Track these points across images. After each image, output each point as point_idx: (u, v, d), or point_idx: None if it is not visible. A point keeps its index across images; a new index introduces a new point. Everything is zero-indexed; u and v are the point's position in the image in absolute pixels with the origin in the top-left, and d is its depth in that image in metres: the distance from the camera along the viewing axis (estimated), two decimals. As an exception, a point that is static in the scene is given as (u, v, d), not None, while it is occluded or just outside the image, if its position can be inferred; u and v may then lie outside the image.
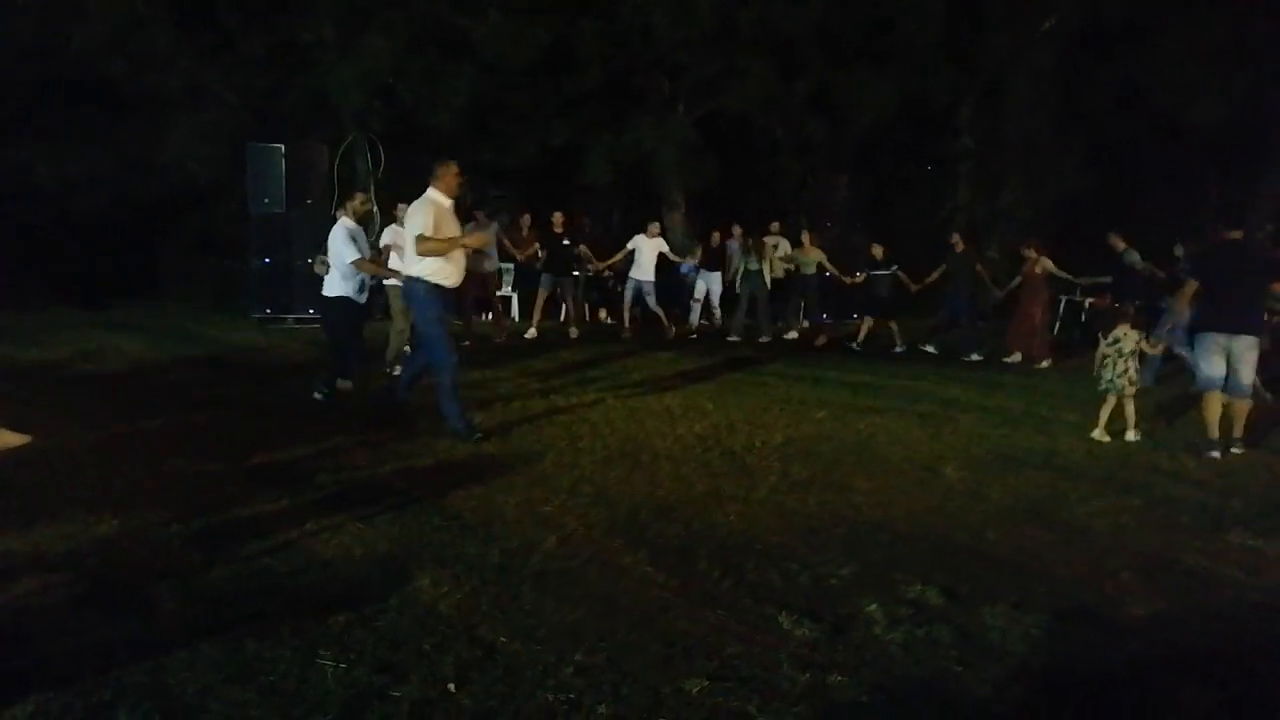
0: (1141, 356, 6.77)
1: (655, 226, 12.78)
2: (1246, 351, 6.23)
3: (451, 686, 2.78)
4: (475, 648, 3.03)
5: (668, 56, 15.59)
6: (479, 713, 2.65)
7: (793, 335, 12.87)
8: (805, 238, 13.08)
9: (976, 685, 2.93)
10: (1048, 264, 10.63)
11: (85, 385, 7.81)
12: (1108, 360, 6.65)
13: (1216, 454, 6.14)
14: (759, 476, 5.28)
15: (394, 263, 7.49)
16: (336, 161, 13.68)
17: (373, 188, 13.81)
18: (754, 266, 12.68)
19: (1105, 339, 6.71)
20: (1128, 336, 6.58)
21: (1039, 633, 3.30)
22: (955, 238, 11.68)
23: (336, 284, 7.05)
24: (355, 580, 3.58)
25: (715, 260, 13.44)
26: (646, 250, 12.21)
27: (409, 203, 6.58)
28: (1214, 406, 6.26)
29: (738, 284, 12.89)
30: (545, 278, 11.91)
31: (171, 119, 15.05)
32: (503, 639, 3.10)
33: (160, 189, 15.44)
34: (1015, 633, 3.29)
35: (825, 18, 15.13)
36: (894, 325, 11.58)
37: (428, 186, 6.04)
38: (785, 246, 13.70)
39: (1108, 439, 6.55)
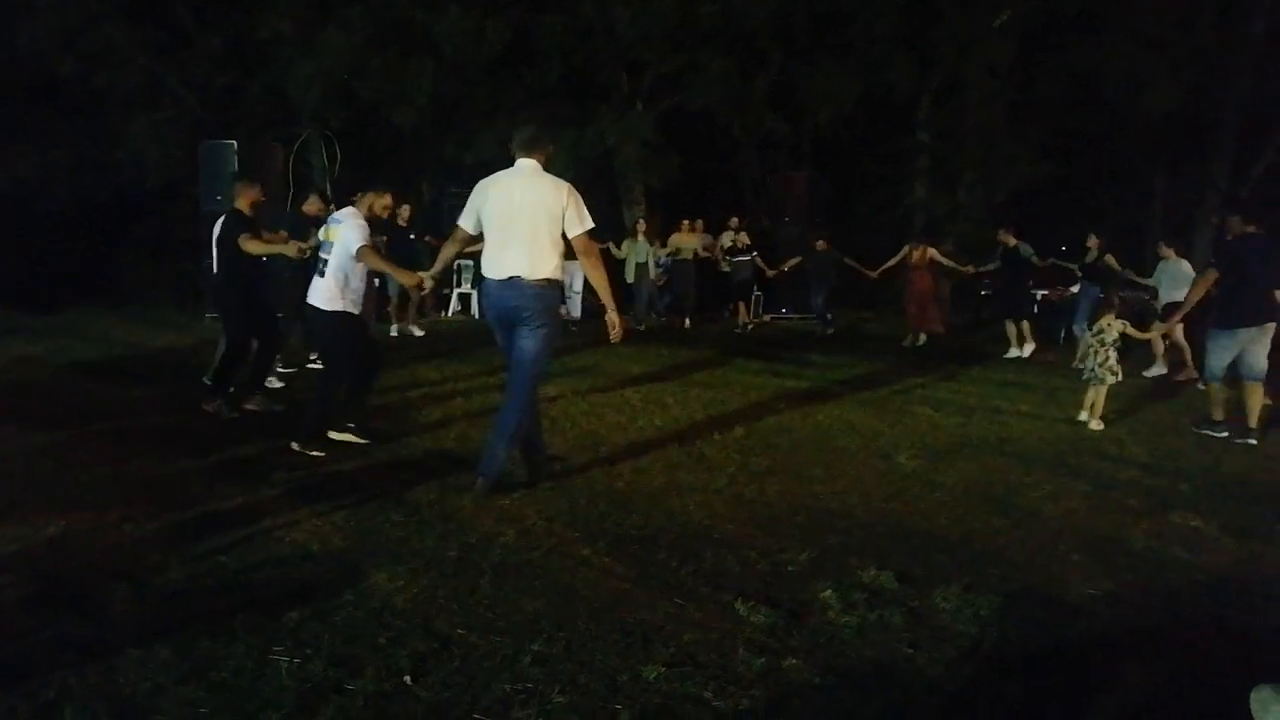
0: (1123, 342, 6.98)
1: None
2: (1265, 337, 6.55)
3: (408, 679, 2.77)
4: (432, 640, 3.03)
5: (629, 52, 15.60)
6: (435, 704, 2.65)
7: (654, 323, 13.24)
8: (684, 224, 13.82)
9: (928, 666, 2.99)
10: (933, 252, 11.92)
11: (35, 388, 7.67)
12: (1091, 350, 6.81)
13: (1225, 434, 6.50)
14: (718, 467, 5.33)
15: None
16: (291, 158, 13.51)
17: (329, 185, 13.68)
18: (640, 259, 13.12)
19: (1090, 330, 6.85)
20: (1111, 327, 6.73)
21: (989, 613, 3.37)
22: (820, 242, 12.86)
23: (333, 294, 5.54)
24: (311, 576, 3.56)
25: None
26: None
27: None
28: (1220, 394, 6.62)
29: (630, 273, 13.26)
30: None
31: (126, 117, 14.78)
32: (460, 631, 3.10)
33: (116, 189, 15.17)
34: (966, 614, 3.36)
35: (783, 11, 15.23)
36: (743, 305, 13.30)
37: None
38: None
39: (1100, 426, 6.67)
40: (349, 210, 5.68)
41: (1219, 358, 6.59)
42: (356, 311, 5.65)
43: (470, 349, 9.99)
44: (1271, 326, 6.55)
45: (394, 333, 11.20)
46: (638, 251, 13.17)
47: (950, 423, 6.76)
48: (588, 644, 3.04)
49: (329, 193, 10.01)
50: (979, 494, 4.94)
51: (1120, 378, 6.85)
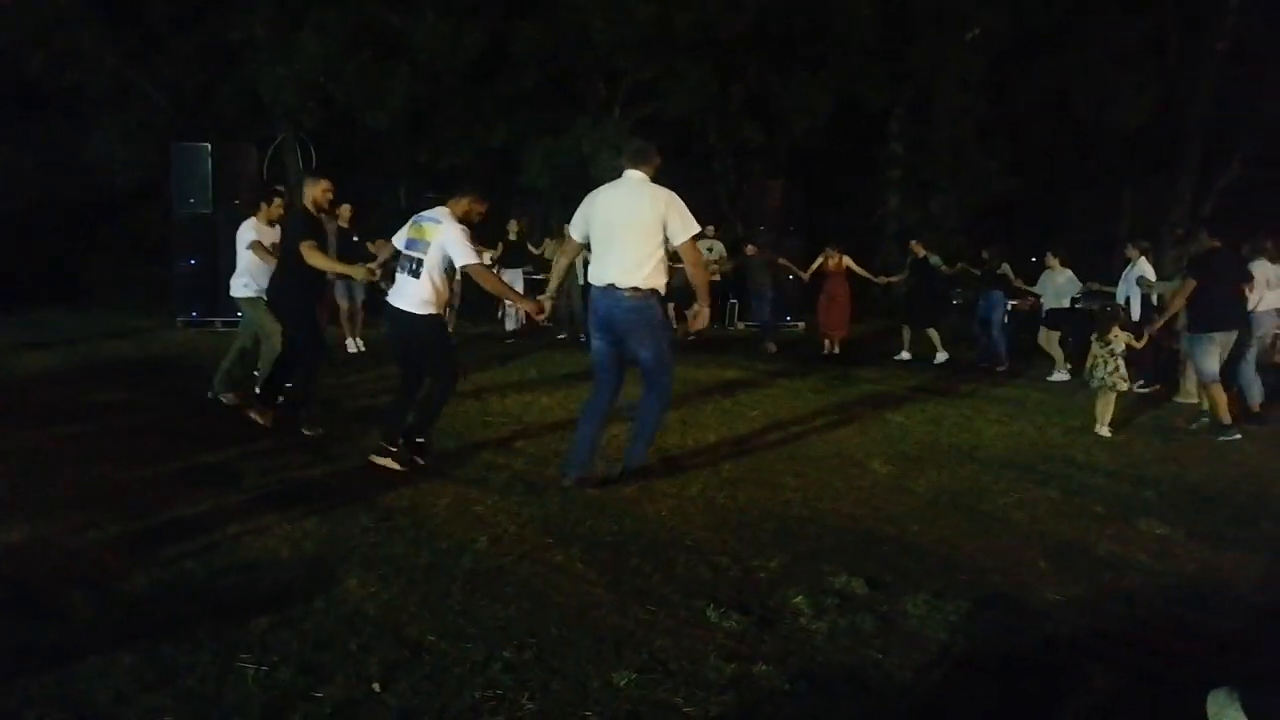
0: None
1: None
2: (1229, 343, 7.16)
3: (376, 686, 2.75)
4: (402, 647, 3.01)
5: (605, 59, 15.64)
6: (404, 711, 2.63)
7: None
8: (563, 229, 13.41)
9: (897, 671, 3.01)
10: (848, 260, 12.00)
11: (-1, 391, 7.53)
12: (1099, 360, 7.02)
13: (1238, 436, 6.82)
14: (691, 474, 5.33)
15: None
16: (266, 162, 13.41)
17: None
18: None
19: (1099, 341, 7.09)
20: (1119, 338, 6.98)
21: (958, 619, 3.40)
22: (750, 247, 13.05)
23: (427, 297, 5.14)
24: (280, 582, 3.52)
25: None
26: None
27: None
28: (1223, 395, 6.97)
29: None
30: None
31: (96, 118, 14.60)
32: (430, 638, 3.08)
33: (85, 190, 14.97)
34: (935, 620, 3.39)
35: (760, 21, 15.35)
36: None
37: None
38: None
39: (1109, 433, 6.89)
40: (443, 210, 5.16)
41: (1207, 361, 7.01)
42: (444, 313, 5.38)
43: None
44: (1235, 334, 7.12)
45: (352, 347, 10.35)
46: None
47: (921, 430, 6.82)
48: (559, 650, 3.03)
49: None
50: (949, 500, 4.98)
51: (1129, 386, 7.16)
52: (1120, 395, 7.09)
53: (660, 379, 4.90)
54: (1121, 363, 7.00)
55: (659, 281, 4.76)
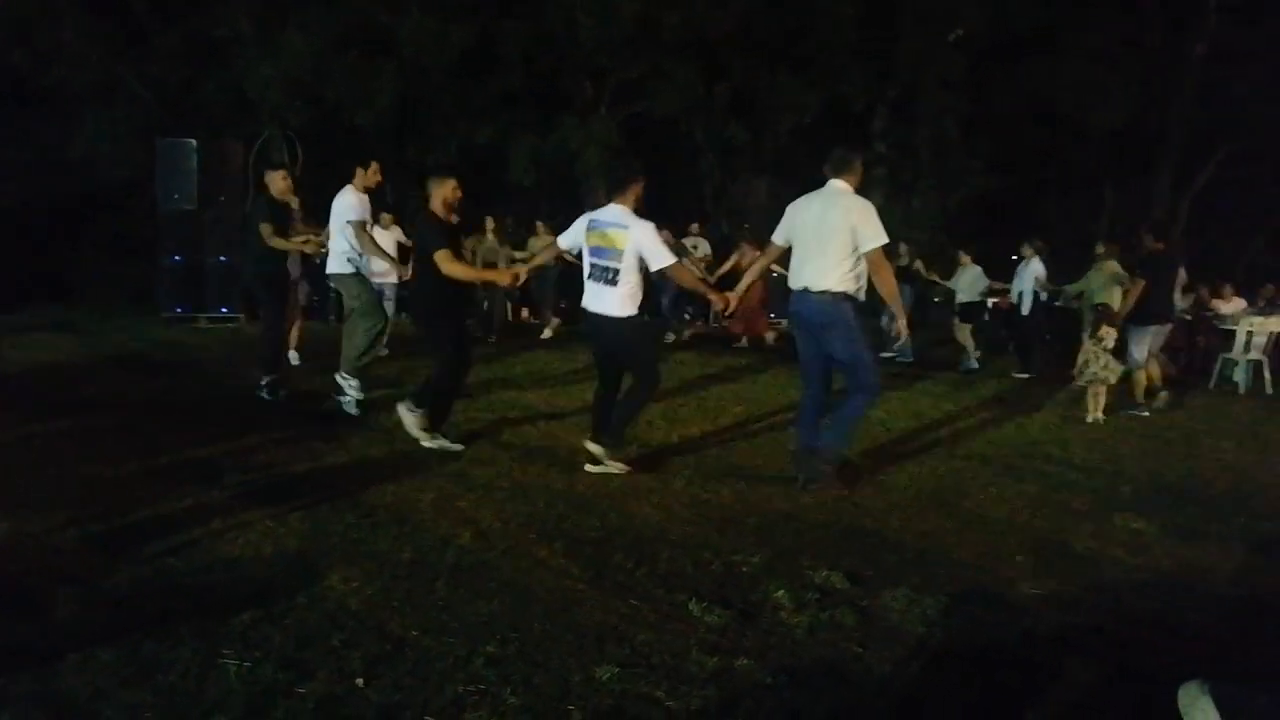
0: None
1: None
2: (1162, 335, 8.16)
3: (359, 681, 2.76)
4: (385, 642, 3.01)
5: (592, 58, 15.64)
6: (387, 706, 2.64)
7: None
8: (539, 227, 13.08)
9: (876, 664, 3.04)
10: (757, 254, 12.21)
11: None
12: (1092, 355, 7.50)
13: (1148, 414, 7.78)
14: (675, 470, 5.36)
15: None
16: (252, 158, 13.34)
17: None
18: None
19: (1092, 339, 7.59)
20: (1109, 335, 7.50)
21: (936, 613, 3.44)
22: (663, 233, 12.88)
23: (626, 300, 5.07)
24: (263, 578, 3.52)
25: None
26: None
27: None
28: (1144, 380, 7.94)
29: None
30: None
31: (81, 114, 14.49)
32: (414, 633, 3.09)
33: (71, 187, 14.86)
34: (914, 614, 3.43)
35: (745, 21, 15.39)
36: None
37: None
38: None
39: (1104, 417, 7.50)
40: (620, 210, 5.05)
41: (1141, 350, 7.88)
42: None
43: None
44: (1169, 326, 8.21)
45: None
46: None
47: (901, 426, 6.88)
48: (542, 645, 3.05)
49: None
50: (928, 496, 5.03)
51: (1117, 375, 7.61)
52: (1111, 387, 7.58)
53: (863, 376, 5.03)
54: (1111, 357, 7.45)
55: (851, 286, 4.94)
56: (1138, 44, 17.39)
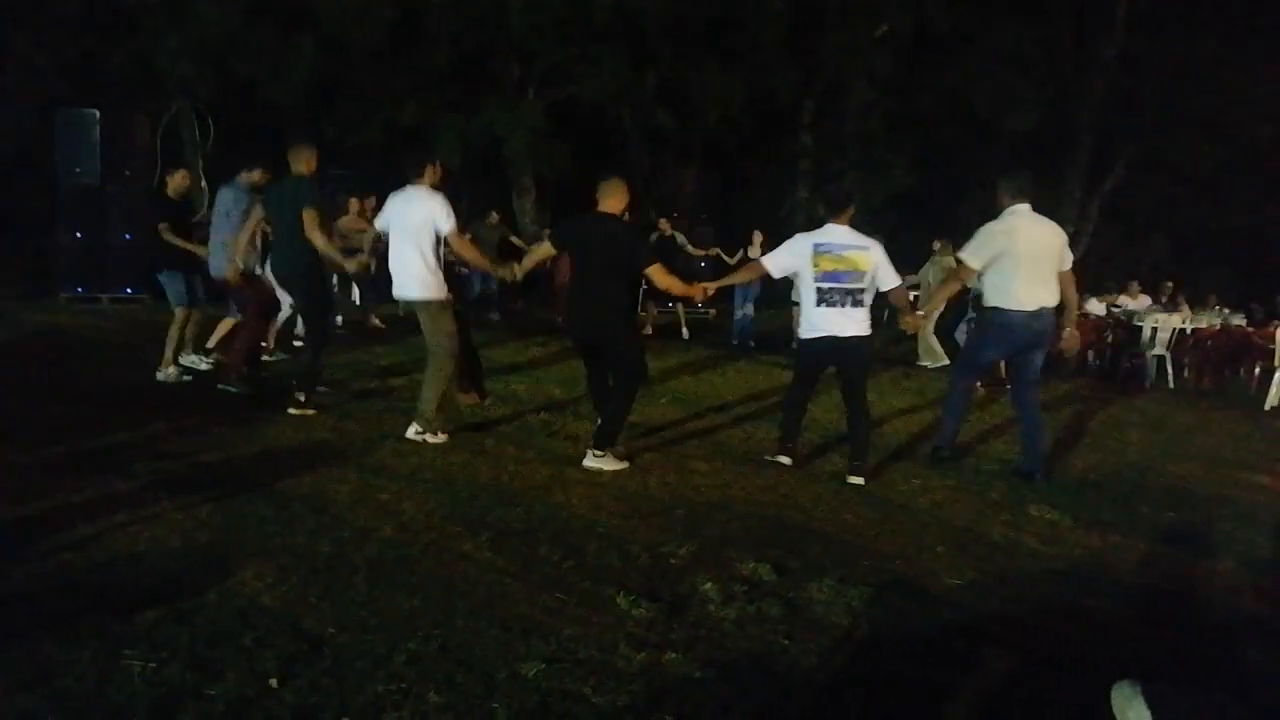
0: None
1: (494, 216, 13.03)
2: None
3: (273, 682, 2.64)
4: (301, 641, 2.90)
5: (520, 41, 15.42)
6: (302, 708, 2.54)
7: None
8: (354, 206, 11.87)
9: (803, 656, 3.06)
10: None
11: None
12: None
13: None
14: (603, 461, 5.31)
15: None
16: (160, 133, 12.74)
17: (201, 162, 12.98)
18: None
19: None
20: None
21: (860, 604, 3.48)
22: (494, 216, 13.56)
23: (868, 320, 5.26)
24: (170, 574, 3.35)
25: None
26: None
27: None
28: None
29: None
30: None
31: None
32: (331, 630, 2.98)
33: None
34: (839, 605, 3.46)
35: (675, 9, 15.38)
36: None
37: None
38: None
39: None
40: (850, 230, 5.12)
41: None
42: None
43: (356, 340, 9.66)
44: None
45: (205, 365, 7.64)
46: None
47: (827, 417, 6.95)
48: (466, 641, 2.97)
49: (202, 170, 9.39)
50: (853, 487, 5.10)
51: None
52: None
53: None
54: None
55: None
56: (1050, 48, 18.01)
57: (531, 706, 2.62)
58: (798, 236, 5.30)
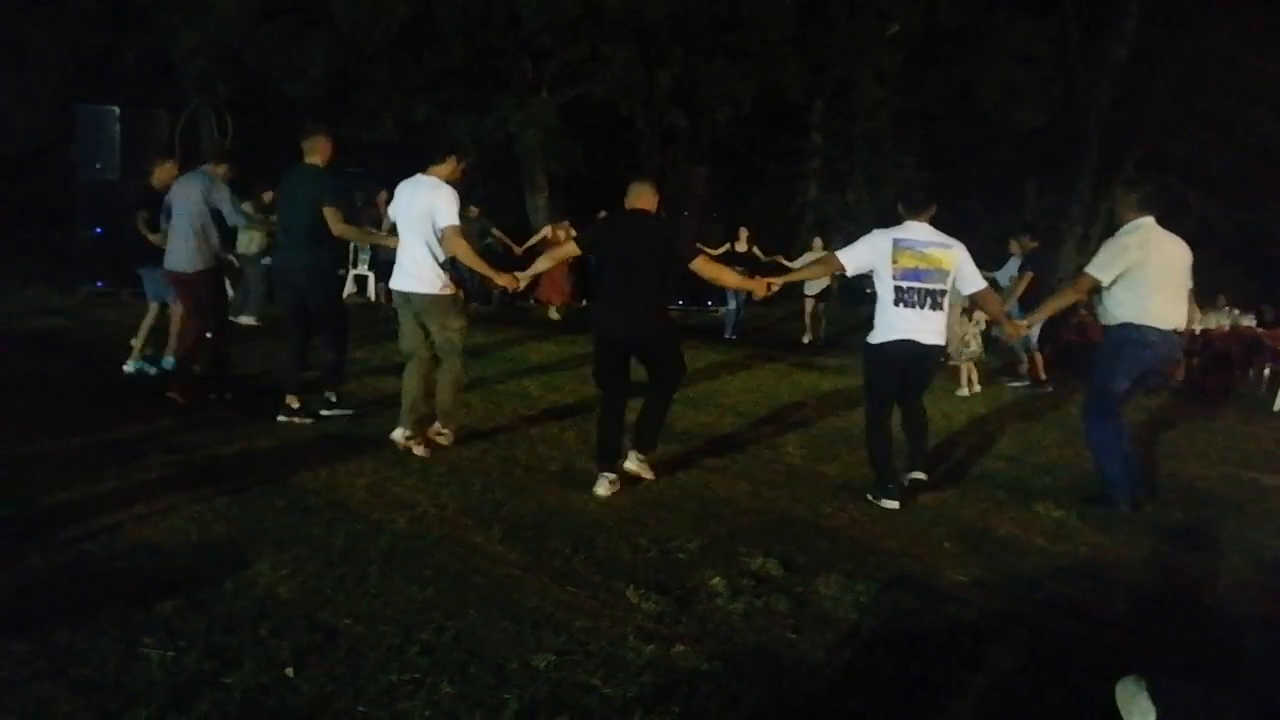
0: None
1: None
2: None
3: (289, 671, 2.69)
4: (316, 631, 2.95)
5: (533, 39, 15.45)
6: (317, 696, 2.59)
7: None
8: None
9: (810, 650, 3.09)
10: (573, 231, 12.73)
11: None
12: (972, 335, 8.43)
13: (1050, 389, 8.83)
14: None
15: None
16: (180, 128, 12.83)
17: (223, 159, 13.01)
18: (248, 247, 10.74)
19: (973, 323, 8.38)
20: (982, 318, 8.27)
21: (868, 599, 3.51)
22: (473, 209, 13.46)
23: (943, 326, 4.94)
24: (187, 565, 3.41)
25: None
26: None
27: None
28: (1040, 360, 9.08)
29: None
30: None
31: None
32: (346, 621, 3.04)
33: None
34: (846, 600, 3.49)
35: (684, 8, 15.38)
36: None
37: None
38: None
39: (980, 388, 8.55)
40: (932, 229, 4.79)
41: (1034, 334, 8.69)
42: None
43: (365, 333, 9.72)
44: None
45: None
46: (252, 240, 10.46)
47: (834, 416, 6.99)
48: (477, 632, 3.02)
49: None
50: (859, 484, 5.11)
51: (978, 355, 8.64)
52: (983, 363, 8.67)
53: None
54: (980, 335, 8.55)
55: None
56: (1060, 45, 17.93)
57: (542, 697, 2.66)
58: (875, 231, 4.88)
